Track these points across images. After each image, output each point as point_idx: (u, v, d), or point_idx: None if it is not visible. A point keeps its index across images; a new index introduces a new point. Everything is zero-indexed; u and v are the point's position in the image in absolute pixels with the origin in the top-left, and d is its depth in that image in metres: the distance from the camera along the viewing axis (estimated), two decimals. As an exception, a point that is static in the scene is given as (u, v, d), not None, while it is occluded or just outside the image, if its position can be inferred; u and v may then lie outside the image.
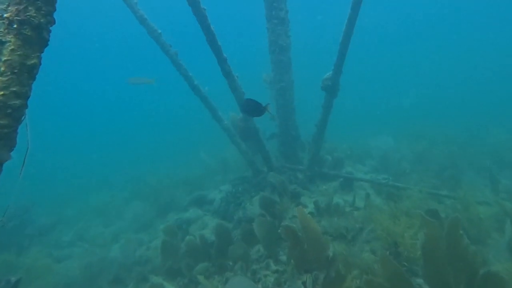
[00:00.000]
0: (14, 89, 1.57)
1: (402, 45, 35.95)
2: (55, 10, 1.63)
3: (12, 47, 1.55)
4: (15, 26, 1.56)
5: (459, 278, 2.38)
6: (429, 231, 2.14)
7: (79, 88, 36.75)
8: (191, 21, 4.75)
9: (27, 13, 1.59)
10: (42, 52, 1.62)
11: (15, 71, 1.54)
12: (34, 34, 1.57)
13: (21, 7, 1.57)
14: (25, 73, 1.56)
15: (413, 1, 33.03)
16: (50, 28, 1.60)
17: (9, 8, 1.58)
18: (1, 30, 1.61)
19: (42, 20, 1.61)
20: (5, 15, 1.59)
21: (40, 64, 1.63)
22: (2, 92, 1.55)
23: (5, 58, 1.55)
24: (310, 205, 5.92)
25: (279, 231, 2.98)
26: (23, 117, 1.65)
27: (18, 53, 1.54)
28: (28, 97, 1.63)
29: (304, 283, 2.66)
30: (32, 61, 1.58)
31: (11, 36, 1.58)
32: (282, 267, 3.85)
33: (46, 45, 1.62)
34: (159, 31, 6.32)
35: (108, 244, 6.36)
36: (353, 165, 9.01)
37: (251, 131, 5.96)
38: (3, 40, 1.59)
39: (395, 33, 36.82)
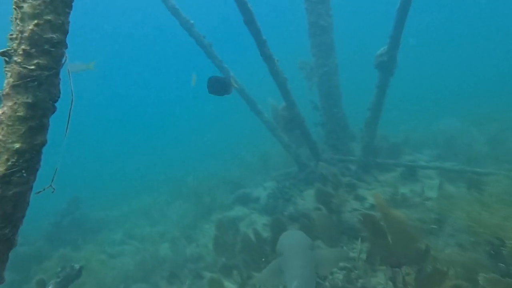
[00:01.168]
0: (49, 17, 1.27)
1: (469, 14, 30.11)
2: None
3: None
4: None
5: None
6: None
7: (114, 90, 38.52)
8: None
9: None
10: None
11: (46, -7, 1.22)
12: None
13: None
14: (58, -4, 1.25)
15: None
16: None
17: None
18: None
19: None
20: None
21: (76, -13, 1.34)
22: (35, 21, 1.25)
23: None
24: (369, 197, 5.43)
25: (357, 219, 2.63)
26: (64, 59, 1.37)
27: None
28: (66, 32, 1.34)
29: (392, 280, 2.28)
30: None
31: None
32: (350, 263, 3.48)
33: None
34: (192, 21, 6.22)
35: (156, 242, 6.47)
36: (411, 153, 8.22)
37: (296, 120, 5.63)
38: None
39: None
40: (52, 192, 1.53)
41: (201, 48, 6.40)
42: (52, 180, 1.53)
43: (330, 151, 7.22)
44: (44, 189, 1.52)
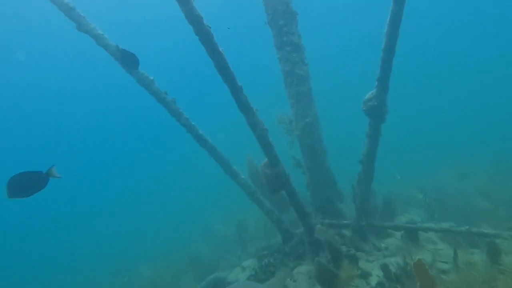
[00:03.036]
0: None
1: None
2: None
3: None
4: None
5: None
6: None
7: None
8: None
9: None
10: None
11: None
12: None
13: None
14: None
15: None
16: None
17: None
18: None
19: None
20: None
21: None
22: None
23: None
24: (374, 271, 4.64)
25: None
26: None
27: None
28: None
29: None
30: None
31: None
32: None
33: None
34: (151, 77, 5.81)
35: None
36: (402, 212, 7.76)
37: (281, 178, 4.93)
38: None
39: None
40: None
41: (163, 106, 5.92)
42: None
43: (319, 215, 6.48)
44: None
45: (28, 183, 2.93)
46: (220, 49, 4.07)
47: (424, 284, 2.01)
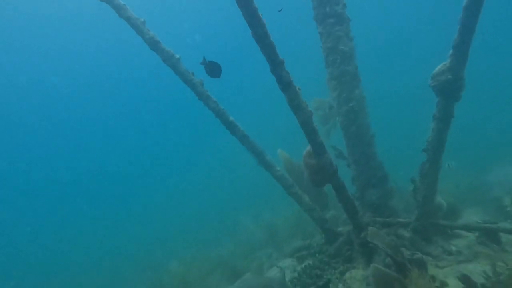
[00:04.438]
0: None
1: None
2: None
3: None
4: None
5: None
6: None
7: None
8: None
9: None
10: None
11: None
12: None
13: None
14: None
15: None
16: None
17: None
18: None
19: None
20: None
21: None
22: None
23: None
24: (449, 280, 3.95)
25: None
26: None
27: None
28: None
29: None
30: None
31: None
32: None
33: None
34: (177, 56, 5.35)
35: None
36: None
37: (328, 170, 4.31)
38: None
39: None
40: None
41: (190, 88, 5.49)
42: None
43: (369, 212, 5.82)
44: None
45: None
46: (260, 14, 3.50)
47: None
